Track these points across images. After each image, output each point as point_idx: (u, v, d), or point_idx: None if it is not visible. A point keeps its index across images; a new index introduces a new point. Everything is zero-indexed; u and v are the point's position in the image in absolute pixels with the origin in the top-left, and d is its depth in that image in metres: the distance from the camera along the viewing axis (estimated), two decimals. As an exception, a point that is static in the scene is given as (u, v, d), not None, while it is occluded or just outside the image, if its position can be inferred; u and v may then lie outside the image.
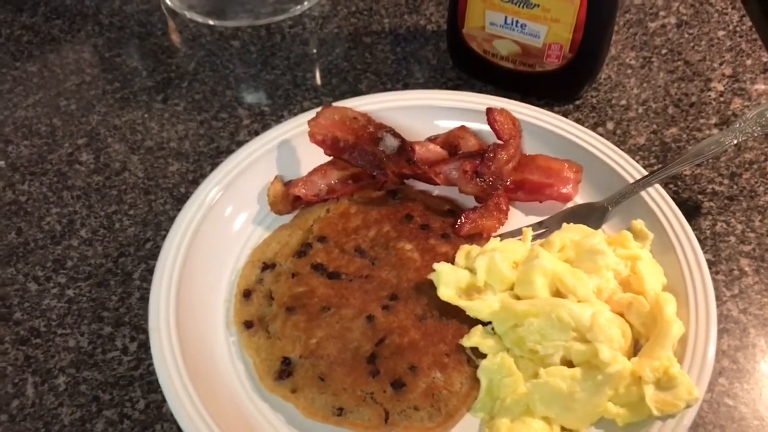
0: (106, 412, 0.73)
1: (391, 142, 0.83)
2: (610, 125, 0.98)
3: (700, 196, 0.90)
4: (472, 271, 0.74)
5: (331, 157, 0.86)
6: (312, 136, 0.84)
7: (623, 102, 1.01)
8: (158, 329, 0.71)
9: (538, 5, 0.91)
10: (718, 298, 0.79)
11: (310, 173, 0.86)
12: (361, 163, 0.84)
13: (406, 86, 1.05)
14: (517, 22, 0.93)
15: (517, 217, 0.85)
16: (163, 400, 0.73)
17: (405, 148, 0.82)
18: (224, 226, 0.82)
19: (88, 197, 0.92)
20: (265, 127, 0.99)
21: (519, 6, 0.92)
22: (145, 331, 0.79)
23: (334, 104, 0.87)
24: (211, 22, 1.16)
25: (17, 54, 1.12)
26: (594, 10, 0.89)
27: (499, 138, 0.86)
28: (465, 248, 0.77)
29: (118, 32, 1.15)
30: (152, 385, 0.75)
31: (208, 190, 0.82)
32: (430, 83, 1.05)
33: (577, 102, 1.01)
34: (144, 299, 0.82)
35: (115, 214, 0.90)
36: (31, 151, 0.98)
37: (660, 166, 0.92)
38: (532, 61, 0.96)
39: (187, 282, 0.75)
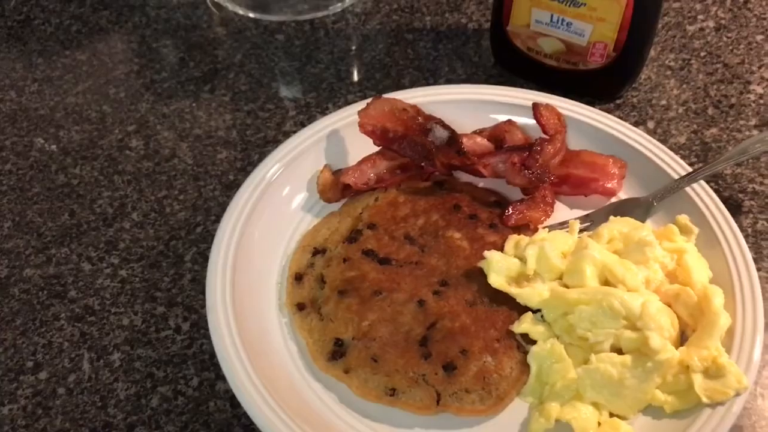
0: (161, 388, 0.75)
1: (440, 134, 0.85)
2: (650, 124, 1.00)
3: (740, 195, 0.91)
4: (521, 259, 0.76)
5: (380, 148, 0.88)
6: (362, 127, 0.86)
7: (663, 102, 1.03)
8: (215, 308, 0.73)
9: (585, 4, 0.92)
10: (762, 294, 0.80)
11: (360, 162, 0.87)
12: (410, 153, 0.86)
13: (448, 82, 1.06)
14: (563, 20, 0.95)
15: (563, 211, 0.86)
16: (216, 378, 0.75)
17: (455, 139, 0.84)
18: (281, 204, 0.85)
19: (138, 182, 0.94)
20: (311, 118, 1.01)
21: (566, 4, 0.93)
22: (197, 312, 0.81)
23: (384, 96, 0.89)
24: (253, 15, 1.18)
25: (66, 42, 1.15)
26: (640, 10, 0.91)
27: (544, 132, 0.88)
28: (514, 238, 0.79)
29: (164, 24, 1.17)
30: (205, 364, 0.77)
31: (270, 167, 0.85)
32: (473, 80, 1.07)
33: (618, 101, 1.03)
34: (195, 281, 0.84)
35: (166, 198, 0.92)
36: (82, 137, 1.00)
37: (701, 165, 0.93)
38: (575, 60, 0.98)
39: (242, 260, 0.77)
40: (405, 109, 0.87)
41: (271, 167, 0.85)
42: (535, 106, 0.88)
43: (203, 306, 0.80)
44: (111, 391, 0.75)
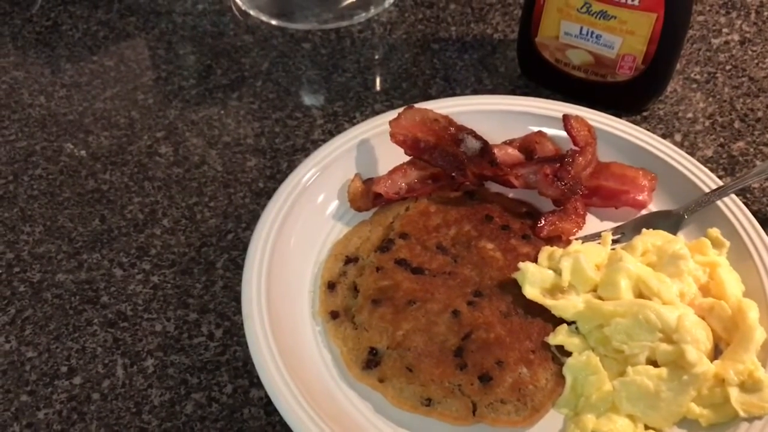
0: (195, 395, 0.75)
1: (472, 144, 0.85)
2: (677, 137, 1.00)
3: (769, 209, 0.91)
4: (555, 271, 0.76)
5: (410, 158, 0.88)
6: (393, 136, 0.86)
7: (690, 115, 1.03)
8: (251, 315, 0.73)
9: (616, 17, 0.93)
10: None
11: (391, 172, 0.88)
12: (442, 163, 0.86)
13: (475, 92, 1.07)
14: (592, 32, 0.95)
15: (593, 222, 0.87)
16: (250, 386, 0.76)
17: (487, 150, 0.84)
18: (315, 211, 0.85)
19: (168, 188, 0.95)
20: (339, 127, 1.02)
21: (596, 18, 0.94)
22: (230, 319, 0.81)
23: (415, 106, 0.89)
24: (277, 23, 1.19)
25: (94, 48, 1.15)
26: (669, 23, 0.92)
27: (575, 144, 0.88)
28: (547, 249, 0.79)
29: (191, 30, 1.18)
30: (239, 371, 0.77)
31: (305, 172, 0.86)
32: (499, 90, 1.07)
33: (645, 113, 1.03)
34: (227, 288, 0.84)
35: (196, 205, 0.93)
36: (111, 142, 1.01)
37: (731, 178, 0.94)
38: (604, 72, 0.99)
39: (277, 266, 0.78)
40: (436, 119, 0.88)
41: (306, 172, 0.86)
42: (566, 118, 0.89)
43: (236, 313, 0.81)
44: (145, 397, 0.75)
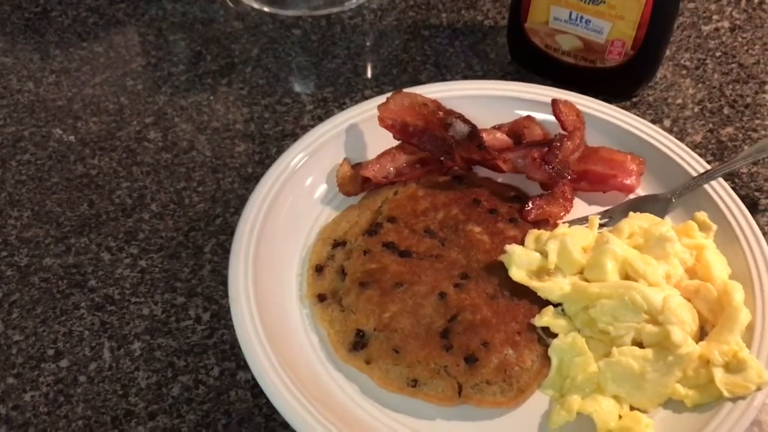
0: (182, 377, 0.75)
1: (460, 128, 0.85)
2: (666, 123, 1.00)
3: (757, 193, 0.91)
4: (542, 254, 0.76)
5: (399, 142, 0.88)
6: (382, 121, 0.86)
7: (679, 101, 1.03)
8: (238, 297, 0.73)
9: (604, 2, 0.93)
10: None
11: (380, 156, 0.88)
12: (430, 147, 0.86)
13: (465, 78, 1.07)
14: (581, 17, 0.95)
15: (581, 206, 0.87)
16: (237, 368, 0.76)
17: (475, 134, 0.84)
18: (303, 195, 0.85)
19: (157, 173, 0.95)
20: (329, 113, 1.02)
21: (585, 2, 0.94)
22: (218, 302, 0.81)
23: (404, 90, 0.89)
24: (268, 10, 1.18)
25: (84, 34, 1.15)
26: (659, 8, 0.92)
27: (563, 129, 0.88)
28: (534, 232, 0.79)
29: (181, 17, 1.18)
30: (225, 354, 0.77)
31: (293, 156, 0.86)
32: (489, 76, 1.07)
33: (634, 99, 1.03)
34: (215, 272, 0.84)
35: (185, 190, 0.93)
36: (100, 128, 1.00)
37: (719, 162, 0.94)
38: (593, 57, 0.99)
39: (264, 249, 0.78)
40: (425, 103, 0.88)
41: (295, 156, 0.86)
42: (554, 103, 0.89)
43: (223, 297, 0.81)
44: (132, 379, 0.75)
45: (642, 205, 0.84)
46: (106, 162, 0.96)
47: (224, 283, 0.81)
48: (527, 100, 0.94)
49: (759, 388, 0.67)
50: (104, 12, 1.19)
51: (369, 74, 1.09)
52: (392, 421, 0.69)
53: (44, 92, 1.05)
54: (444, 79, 1.07)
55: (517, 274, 0.74)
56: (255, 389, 0.73)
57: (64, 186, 0.93)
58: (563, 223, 0.83)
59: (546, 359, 0.72)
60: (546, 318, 0.73)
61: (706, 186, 0.84)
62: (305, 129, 0.98)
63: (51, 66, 1.10)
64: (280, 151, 0.95)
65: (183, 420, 0.72)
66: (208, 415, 0.72)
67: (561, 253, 0.75)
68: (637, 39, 0.95)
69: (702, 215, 0.82)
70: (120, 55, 1.12)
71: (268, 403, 0.70)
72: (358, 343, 0.73)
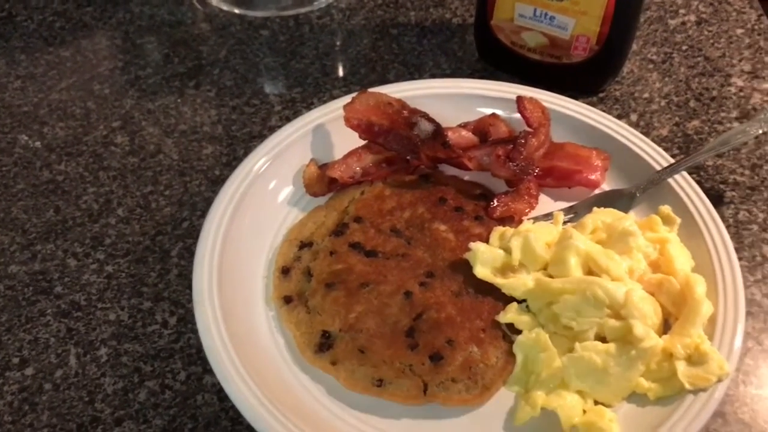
0: (148, 382, 0.75)
1: (425, 127, 0.85)
2: (633, 117, 1.01)
3: (722, 186, 0.92)
4: (506, 250, 0.76)
5: (365, 142, 0.88)
6: (347, 121, 0.86)
7: (646, 95, 1.04)
8: (202, 302, 0.73)
9: (568, -2, 0.93)
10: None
11: (346, 156, 0.88)
12: (396, 147, 0.86)
13: (433, 76, 1.07)
14: (546, 14, 0.96)
15: (547, 203, 0.87)
16: (204, 372, 0.75)
17: (440, 132, 0.84)
18: (267, 198, 0.85)
19: (124, 178, 0.94)
20: (297, 113, 1.01)
21: (549, -2, 0.94)
22: (184, 306, 0.81)
23: (369, 90, 0.89)
24: (238, 11, 1.18)
25: (50, 39, 1.14)
26: (622, 3, 0.92)
27: (528, 125, 0.89)
28: (499, 229, 0.79)
29: (149, 20, 1.17)
30: (192, 358, 0.77)
31: (257, 160, 0.86)
32: (457, 74, 1.07)
33: (601, 94, 1.04)
34: (182, 276, 0.84)
35: (151, 194, 0.92)
36: (67, 133, 1.00)
37: (683, 156, 0.94)
38: (559, 53, 0.99)
39: (229, 253, 0.78)
40: (390, 102, 0.88)
41: (258, 160, 0.86)
42: (519, 99, 0.89)
43: (190, 301, 0.80)
44: (98, 386, 0.75)
45: (607, 200, 0.85)
46: (72, 167, 0.95)
47: (191, 286, 0.80)
48: (493, 98, 0.94)
49: (720, 380, 0.67)
50: (71, 16, 1.18)
51: (337, 74, 1.09)
52: (358, 422, 0.69)
53: (9, 98, 1.05)
54: (412, 78, 1.07)
55: (482, 271, 0.75)
56: (221, 393, 0.73)
57: (30, 192, 0.93)
58: (528, 219, 0.83)
59: (511, 356, 0.72)
60: (510, 315, 0.73)
61: (671, 180, 0.84)
62: (273, 130, 0.98)
63: (16, 71, 1.09)
64: (248, 152, 0.94)
65: (149, 425, 0.72)
66: (174, 420, 0.72)
67: (524, 250, 0.75)
68: (601, 34, 0.95)
69: (666, 209, 0.82)
70: (87, 59, 1.11)
71: (234, 406, 0.70)
72: (324, 344, 0.73)
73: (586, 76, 1.01)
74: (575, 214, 0.84)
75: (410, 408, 0.70)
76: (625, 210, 0.84)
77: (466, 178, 0.89)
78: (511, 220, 0.83)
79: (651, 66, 1.08)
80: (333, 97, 1.04)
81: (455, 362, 0.70)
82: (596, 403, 0.69)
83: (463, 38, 1.13)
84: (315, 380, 0.72)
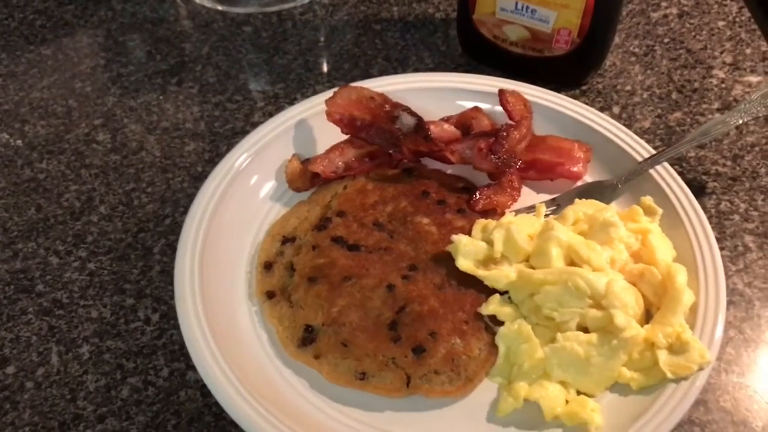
0: (131, 379, 0.75)
1: (407, 121, 0.85)
2: (615, 109, 1.01)
3: (704, 177, 0.92)
4: (488, 243, 0.76)
5: (348, 136, 0.88)
6: (329, 115, 0.86)
7: (628, 87, 1.04)
8: (184, 298, 0.73)
9: (549, -9, 0.93)
10: (724, 272, 0.81)
11: (328, 151, 0.88)
12: (378, 141, 0.86)
13: (416, 71, 1.07)
14: (527, 7, 0.96)
15: (529, 195, 0.87)
16: (187, 368, 0.75)
17: (422, 126, 0.84)
18: (249, 194, 0.85)
19: (106, 175, 0.94)
20: (279, 109, 1.01)
21: (530, -9, 0.94)
22: (167, 303, 0.80)
23: (351, 84, 0.89)
24: (221, 8, 1.18)
25: (31, 37, 1.13)
26: (602, -4, 0.92)
27: (510, 118, 0.89)
28: (481, 222, 0.79)
29: (131, 17, 1.17)
30: (175, 354, 0.76)
31: (238, 156, 0.85)
32: (440, 68, 1.07)
33: (584, 87, 1.04)
34: (165, 272, 0.83)
35: (134, 191, 0.92)
36: (48, 131, 0.99)
37: (664, 147, 0.95)
38: (540, 47, 0.99)
39: (211, 249, 0.78)
40: (372, 97, 0.88)
41: (239, 156, 0.85)
42: (501, 93, 0.89)
43: (172, 297, 0.80)
44: (80, 383, 0.74)
45: (589, 191, 0.85)
46: (54, 165, 0.95)
47: (173, 283, 0.80)
48: (476, 92, 0.94)
49: (701, 368, 0.67)
50: (52, 14, 1.18)
51: (321, 70, 1.08)
52: (342, 415, 0.69)
53: (-10, 97, 1.04)
54: (395, 73, 1.07)
55: (464, 263, 0.75)
56: (204, 389, 0.72)
57: (11, 191, 0.92)
58: (511, 212, 0.83)
59: (493, 347, 0.72)
60: (492, 306, 0.73)
61: (652, 171, 0.85)
62: (256, 126, 0.97)
63: (-3, 70, 1.08)
64: (231, 149, 0.94)
65: (132, 422, 0.71)
66: (157, 416, 0.72)
67: (506, 242, 0.75)
68: (582, 27, 0.95)
69: (648, 200, 0.83)
70: (68, 57, 1.10)
71: (217, 402, 0.69)
72: (307, 338, 0.73)
73: (569, 69, 1.01)
74: (557, 206, 0.85)
75: (393, 400, 0.70)
76: (608, 201, 0.84)
77: (449, 171, 0.90)
78: (493, 212, 0.83)
79: (633, 59, 1.09)
80: (316, 93, 1.03)
81: (438, 354, 0.70)
82: (579, 393, 0.70)
83: (446, 32, 1.13)
84: (298, 374, 0.72)
